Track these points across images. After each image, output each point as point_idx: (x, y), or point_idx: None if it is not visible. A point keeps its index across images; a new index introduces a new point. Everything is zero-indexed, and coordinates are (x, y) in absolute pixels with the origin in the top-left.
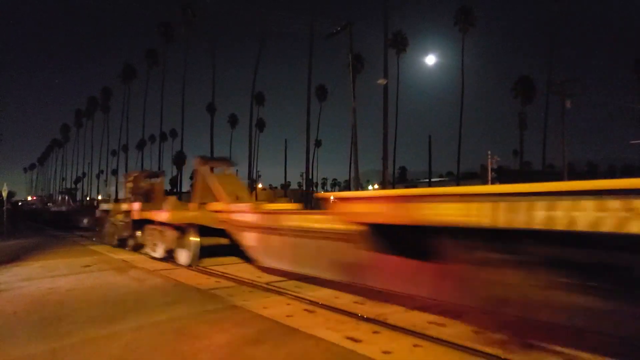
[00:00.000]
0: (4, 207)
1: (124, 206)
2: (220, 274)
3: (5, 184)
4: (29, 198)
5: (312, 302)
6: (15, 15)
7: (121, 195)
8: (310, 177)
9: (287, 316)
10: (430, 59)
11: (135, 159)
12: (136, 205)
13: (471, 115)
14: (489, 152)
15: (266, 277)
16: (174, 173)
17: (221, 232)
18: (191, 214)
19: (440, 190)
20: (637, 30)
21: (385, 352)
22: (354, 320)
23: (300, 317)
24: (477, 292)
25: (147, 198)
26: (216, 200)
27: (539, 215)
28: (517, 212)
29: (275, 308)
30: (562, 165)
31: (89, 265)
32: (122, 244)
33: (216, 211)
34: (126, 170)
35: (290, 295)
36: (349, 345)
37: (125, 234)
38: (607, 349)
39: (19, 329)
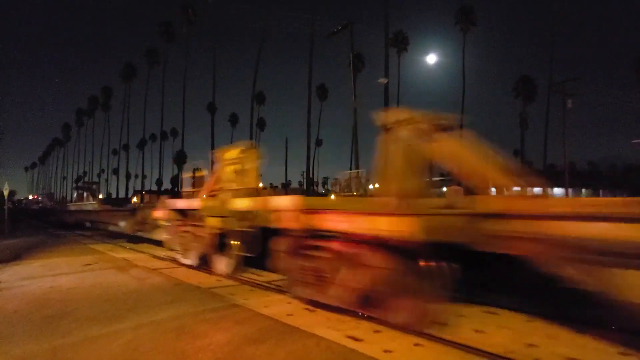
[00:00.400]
0: (5, 206)
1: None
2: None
3: (6, 183)
4: (30, 197)
5: (312, 301)
6: (16, 15)
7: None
8: (311, 176)
9: (288, 315)
10: (431, 58)
11: (137, 158)
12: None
13: (472, 115)
14: None
15: (267, 276)
16: (175, 172)
17: None
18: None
19: None
20: (638, 29)
21: (386, 351)
22: (355, 319)
23: (300, 316)
24: None
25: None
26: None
27: None
28: None
29: (275, 307)
30: (563, 164)
31: (89, 264)
32: (204, 263)
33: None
34: (127, 169)
35: (291, 294)
36: (350, 344)
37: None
38: None
39: (20, 328)
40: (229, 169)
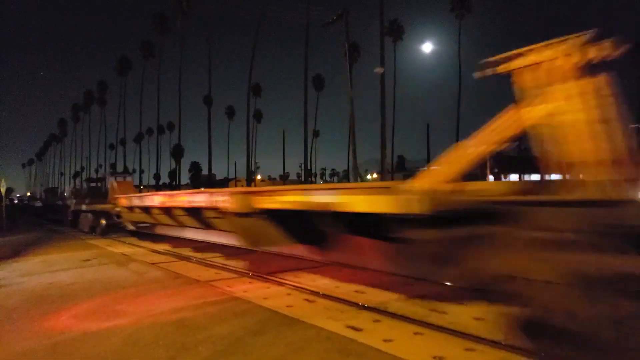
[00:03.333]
0: (2, 203)
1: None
2: (220, 265)
3: (3, 180)
4: (28, 194)
5: (312, 292)
6: (9, 10)
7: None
8: (309, 167)
9: (288, 306)
10: (427, 47)
11: (134, 153)
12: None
13: (469, 102)
14: None
15: (266, 268)
16: (172, 166)
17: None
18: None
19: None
20: (633, 16)
21: (386, 340)
22: (355, 309)
23: (300, 307)
24: None
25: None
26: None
27: None
28: None
29: (275, 298)
30: None
31: (89, 260)
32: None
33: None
34: (124, 164)
35: (291, 285)
36: (350, 334)
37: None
38: None
39: (20, 324)
40: None
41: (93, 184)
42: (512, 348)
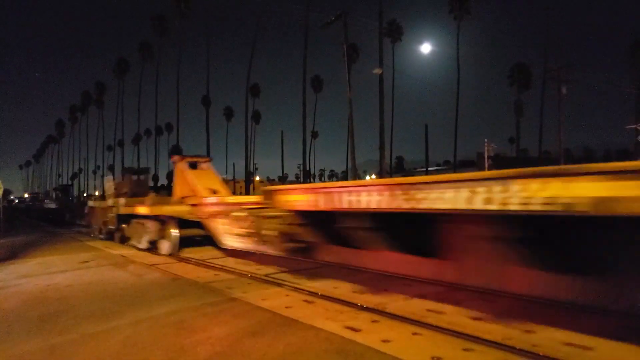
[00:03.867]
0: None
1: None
2: (219, 267)
3: None
4: (26, 195)
5: (311, 293)
6: (7, 12)
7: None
8: (307, 168)
9: (286, 307)
10: (426, 48)
11: (132, 154)
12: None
13: (468, 103)
14: (486, 140)
15: (265, 269)
16: (171, 168)
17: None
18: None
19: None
20: (633, 14)
21: (384, 341)
22: (353, 309)
23: (299, 308)
24: None
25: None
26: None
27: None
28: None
29: (274, 299)
30: (559, 151)
31: (87, 261)
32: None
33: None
34: (122, 165)
35: (289, 286)
36: (349, 334)
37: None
38: None
39: (17, 326)
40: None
41: (136, 177)
42: (510, 348)
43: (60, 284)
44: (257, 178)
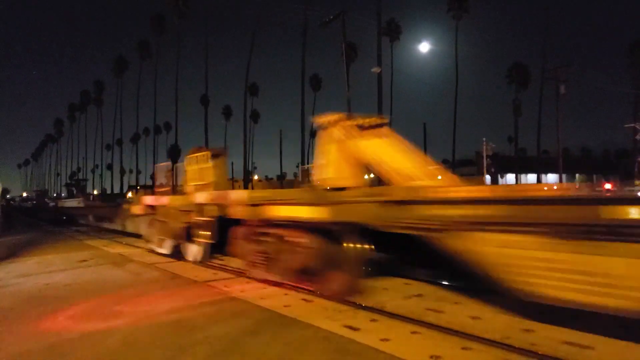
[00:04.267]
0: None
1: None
2: (217, 266)
3: None
4: (24, 194)
5: (309, 292)
6: (4, 11)
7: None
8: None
9: (285, 306)
10: (424, 47)
11: (130, 153)
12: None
13: (466, 103)
14: (484, 139)
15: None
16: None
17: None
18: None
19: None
20: (632, 15)
21: (383, 340)
22: (352, 309)
23: (298, 307)
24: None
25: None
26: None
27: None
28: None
29: (273, 299)
30: (557, 150)
31: (85, 260)
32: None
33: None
34: (121, 165)
35: (288, 285)
36: (347, 333)
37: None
38: None
39: (17, 325)
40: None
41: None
42: (508, 347)
43: (59, 282)
44: (256, 177)
